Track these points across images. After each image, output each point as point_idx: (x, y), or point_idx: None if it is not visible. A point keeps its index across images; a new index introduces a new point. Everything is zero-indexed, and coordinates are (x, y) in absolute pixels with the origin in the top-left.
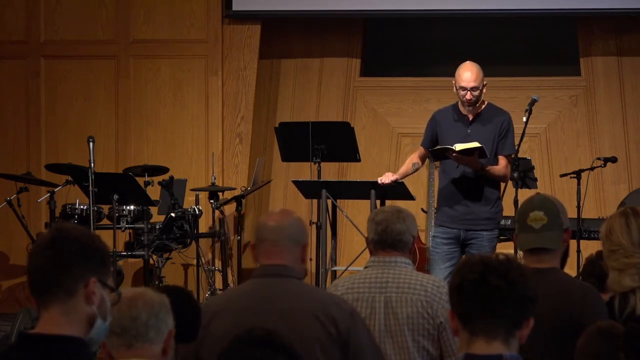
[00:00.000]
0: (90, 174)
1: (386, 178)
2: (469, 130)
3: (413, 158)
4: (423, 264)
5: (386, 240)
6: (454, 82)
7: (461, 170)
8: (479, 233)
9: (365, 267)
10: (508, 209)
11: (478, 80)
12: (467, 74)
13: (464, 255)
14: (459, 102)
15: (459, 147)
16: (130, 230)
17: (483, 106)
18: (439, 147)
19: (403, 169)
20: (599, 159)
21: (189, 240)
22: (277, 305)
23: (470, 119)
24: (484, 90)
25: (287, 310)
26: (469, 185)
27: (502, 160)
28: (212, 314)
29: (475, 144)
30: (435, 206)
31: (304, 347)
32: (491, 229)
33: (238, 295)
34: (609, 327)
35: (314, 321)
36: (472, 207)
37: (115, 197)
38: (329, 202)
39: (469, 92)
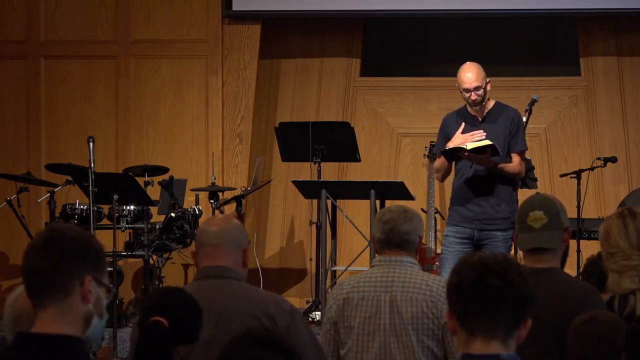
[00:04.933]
0: (90, 174)
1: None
2: (480, 131)
3: (436, 165)
4: (423, 264)
5: (392, 239)
6: (457, 85)
7: (474, 169)
8: (493, 233)
9: (371, 266)
10: None
11: (480, 79)
12: (468, 74)
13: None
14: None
15: (470, 146)
16: (130, 230)
17: (491, 105)
18: (450, 147)
19: (444, 165)
20: (599, 159)
21: (189, 240)
22: (216, 305)
23: (480, 119)
24: (489, 88)
25: (226, 311)
26: (481, 184)
27: (515, 158)
28: None
29: (487, 142)
30: (449, 205)
31: None
32: (505, 229)
33: None
34: (593, 322)
35: (253, 321)
36: (485, 206)
37: (115, 197)
38: (329, 202)
39: (472, 93)
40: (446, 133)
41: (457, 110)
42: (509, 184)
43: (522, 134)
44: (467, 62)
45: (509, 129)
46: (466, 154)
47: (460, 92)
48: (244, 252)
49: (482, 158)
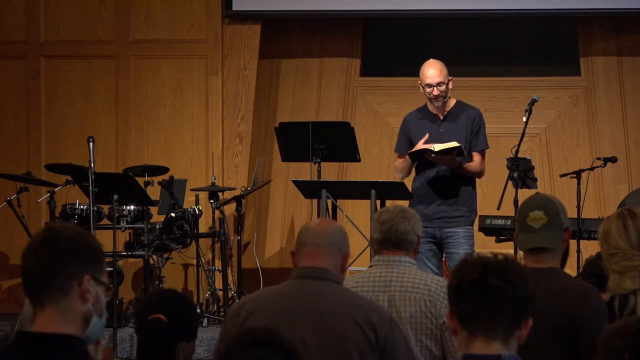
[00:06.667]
0: (90, 174)
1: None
2: (441, 130)
3: (398, 166)
4: None
5: (390, 239)
6: (419, 82)
7: (437, 169)
8: (454, 231)
9: (370, 266)
10: (508, 209)
11: (442, 75)
12: (431, 70)
13: (465, 255)
14: (428, 103)
15: (437, 147)
16: (130, 230)
17: (452, 104)
18: (417, 149)
19: (406, 165)
20: (599, 159)
21: (189, 240)
22: (317, 306)
23: (441, 117)
24: (451, 86)
25: (327, 313)
26: (443, 184)
27: (477, 157)
28: (248, 312)
29: (454, 144)
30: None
31: (342, 351)
32: (466, 226)
33: (276, 294)
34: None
35: (353, 326)
36: (444, 205)
37: (115, 197)
38: (329, 202)
39: (435, 88)
40: (407, 132)
41: (419, 109)
42: (469, 184)
43: (484, 133)
44: (430, 59)
45: (470, 128)
46: (433, 155)
47: (423, 88)
48: (344, 258)
49: (447, 159)
